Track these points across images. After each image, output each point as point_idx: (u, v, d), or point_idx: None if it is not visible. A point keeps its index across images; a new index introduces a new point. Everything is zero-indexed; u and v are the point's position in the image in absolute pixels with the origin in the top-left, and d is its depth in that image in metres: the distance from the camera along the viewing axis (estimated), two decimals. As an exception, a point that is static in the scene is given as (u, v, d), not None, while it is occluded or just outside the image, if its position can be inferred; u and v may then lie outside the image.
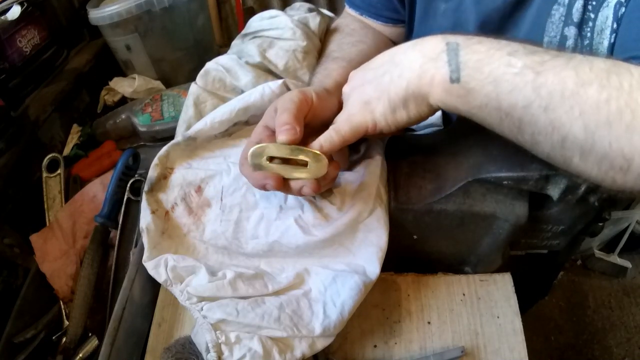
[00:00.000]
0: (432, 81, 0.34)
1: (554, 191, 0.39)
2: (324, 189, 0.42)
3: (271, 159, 0.39)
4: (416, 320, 0.43)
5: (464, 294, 0.45)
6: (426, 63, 0.34)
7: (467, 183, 0.40)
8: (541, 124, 0.31)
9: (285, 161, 0.39)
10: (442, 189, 0.43)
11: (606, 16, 0.38)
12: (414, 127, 0.54)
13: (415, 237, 0.46)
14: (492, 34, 0.46)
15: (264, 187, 0.40)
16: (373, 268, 0.41)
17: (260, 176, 0.39)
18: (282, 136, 0.37)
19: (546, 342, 1.26)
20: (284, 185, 0.39)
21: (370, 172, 0.45)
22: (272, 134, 0.40)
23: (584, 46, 0.41)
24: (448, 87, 0.33)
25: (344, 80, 0.49)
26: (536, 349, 1.23)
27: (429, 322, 0.43)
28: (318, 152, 0.38)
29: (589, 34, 0.40)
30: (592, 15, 0.39)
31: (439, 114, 0.54)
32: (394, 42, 0.62)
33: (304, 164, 0.38)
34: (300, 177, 0.39)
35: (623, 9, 0.36)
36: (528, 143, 0.33)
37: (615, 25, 0.37)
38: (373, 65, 0.40)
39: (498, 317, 0.43)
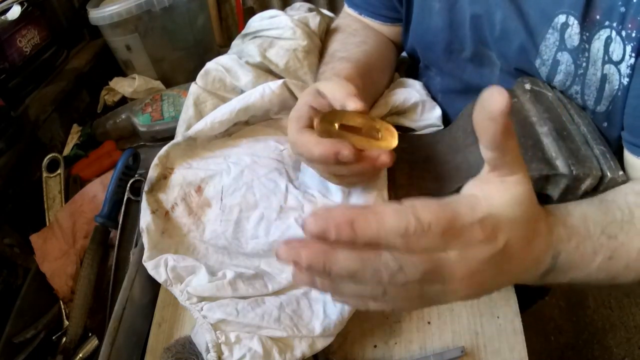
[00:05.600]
0: (524, 277, 0.33)
1: (554, 191, 0.39)
2: (375, 175, 0.41)
3: (340, 125, 0.35)
4: (416, 320, 0.43)
5: (464, 294, 0.45)
6: (533, 266, 0.33)
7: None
8: (602, 286, 0.36)
9: (353, 129, 0.35)
10: (442, 189, 0.43)
11: (597, 48, 0.39)
12: (414, 127, 0.54)
13: (415, 237, 0.46)
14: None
15: (334, 156, 0.36)
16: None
17: (331, 144, 0.36)
18: (353, 103, 0.35)
19: (546, 342, 1.26)
20: (358, 154, 0.36)
21: (371, 171, 0.45)
22: (315, 114, 0.39)
23: (577, 75, 0.42)
24: (531, 280, 0.34)
25: (353, 81, 0.49)
26: (536, 349, 1.23)
27: (429, 322, 0.43)
28: (390, 126, 0.36)
29: (584, 64, 0.41)
30: (587, 46, 0.40)
31: (438, 113, 0.54)
32: (393, 42, 0.62)
33: (375, 135, 0.35)
34: (372, 147, 0.35)
35: (615, 44, 0.37)
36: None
37: (606, 58, 0.39)
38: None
39: (498, 317, 0.43)
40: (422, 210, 0.26)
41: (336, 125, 0.35)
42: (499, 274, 0.30)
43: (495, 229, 0.28)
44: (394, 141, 0.36)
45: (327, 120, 0.35)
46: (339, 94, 0.37)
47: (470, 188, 0.31)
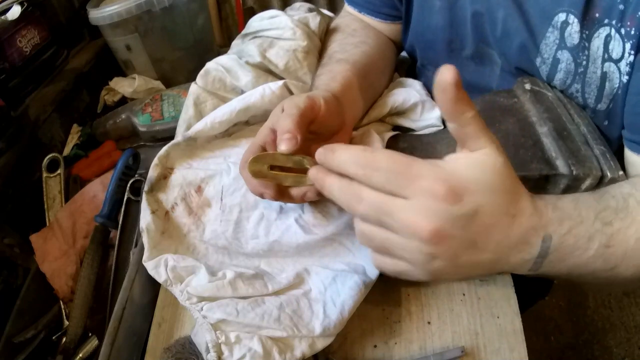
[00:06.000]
0: (515, 260, 0.33)
1: (554, 191, 0.39)
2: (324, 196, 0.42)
3: (272, 166, 0.38)
4: (416, 320, 0.43)
5: (464, 294, 0.45)
6: (521, 248, 0.32)
7: (467, 183, 0.40)
8: (601, 278, 0.35)
9: (285, 169, 0.38)
10: (442, 189, 0.43)
11: (597, 46, 0.39)
12: (413, 127, 0.55)
13: (415, 237, 0.46)
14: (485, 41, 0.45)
15: (261, 196, 0.40)
16: (373, 268, 0.41)
17: (258, 185, 0.39)
18: (282, 146, 0.37)
19: (546, 342, 1.26)
20: (282, 194, 0.39)
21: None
22: (277, 138, 0.40)
23: (577, 73, 0.42)
24: (525, 266, 0.34)
25: (350, 83, 0.49)
26: (536, 349, 1.23)
27: (429, 322, 0.43)
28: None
29: (584, 62, 0.41)
30: (587, 44, 0.40)
31: (438, 113, 0.54)
32: (393, 41, 0.62)
33: (304, 171, 0.38)
34: (301, 184, 0.38)
35: (615, 42, 0.38)
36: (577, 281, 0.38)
37: (606, 56, 0.39)
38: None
39: (498, 317, 0.43)
40: (381, 150, 0.31)
41: (266, 166, 0.38)
42: (475, 245, 0.30)
43: (460, 190, 0.29)
44: None
45: (257, 162, 0.37)
46: (282, 127, 0.38)
47: None
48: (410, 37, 0.58)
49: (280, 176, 0.38)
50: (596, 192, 0.36)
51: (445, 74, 0.28)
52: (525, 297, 0.46)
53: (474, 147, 0.30)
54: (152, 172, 0.47)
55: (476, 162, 0.30)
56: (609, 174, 0.38)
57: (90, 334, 0.50)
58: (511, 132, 0.41)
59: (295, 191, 0.39)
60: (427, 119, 0.54)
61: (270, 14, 0.59)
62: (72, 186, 0.63)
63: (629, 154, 0.40)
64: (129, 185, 0.56)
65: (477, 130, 0.30)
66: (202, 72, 0.56)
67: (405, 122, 0.55)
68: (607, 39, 0.38)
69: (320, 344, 0.39)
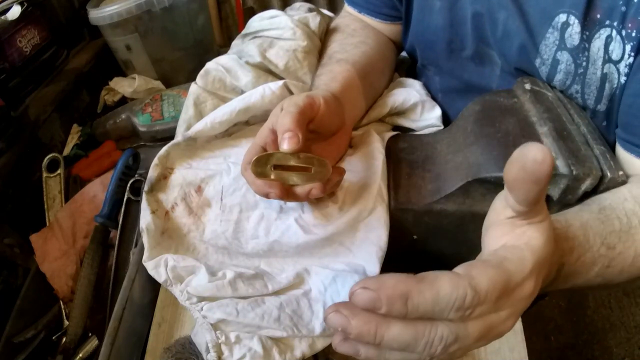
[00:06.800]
0: None
1: (554, 191, 0.39)
2: (328, 192, 0.42)
3: (274, 166, 0.38)
4: (416, 320, 0.43)
5: (464, 294, 0.45)
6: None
7: (467, 183, 0.40)
8: (593, 286, 0.37)
9: (288, 167, 0.38)
10: (442, 189, 0.43)
11: (598, 47, 0.39)
12: (413, 127, 0.55)
13: (415, 237, 0.46)
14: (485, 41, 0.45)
15: (266, 196, 0.39)
16: (373, 268, 0.41)
17: (264, 185, 0.39)
18: (285, 145, 0.36)
19: (546, 342, 1.26)
20: (287, 193, 0.39)
21: (372, 171, 0.45)
22: (277, 138, 0.40)
23: (577, 74, 0.42)
24: None
25: (350, 83, 0.49)
26: (536, 349, 1.23)
27: (429, 322, 0.43)
28: (322, 158, 0.38)
29: (584, 63, 0.41)
30: (587, 45, 0.40)
31: (438, 113, 0.54)
32: (393, 41, 0.62)
33: (308, 169, 0.38)
34: (305, 182, 0.39)
35: (615, 43, 0.38)
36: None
37: (606, 57, 0.39)
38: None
39: (498, 317, 0.43)
40: (479, 279, 0.25)
41: (269, 167, 0.38)
42: None
43: (539, 276, 0.28)
44: (326, 172, 0.38)
45: (260, 162, 0.38)
46: (282, 126, 0.37)
47: (501, 236, 0.29)
48: (410, 37, 0.58)
49: (284, 175, 0.38)
50: (602, 211, 0.36)
51: (543, 161, 0.23)
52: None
53: (533, 216, 0.28)
54: (152, 172, 0.47)
55: (544, 235, 0.29)
56: (609, 174, 0.38)
57: (90, 334, 0.50)
58: (511, 132, 0.41)
59: (300, 189, 0.39)
60: (427, 119, 0.54)
61: (270, 14, 0.59)
62: (72, 186, 0.63)
63: (621, 152, 0.41)
64: (129, 185, 0.56)
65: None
66: (202, 72, 0.56)
67: (405, 122, 0.55)
68: (608, 40, 0.38)
69: (320, 344, 0.39)
